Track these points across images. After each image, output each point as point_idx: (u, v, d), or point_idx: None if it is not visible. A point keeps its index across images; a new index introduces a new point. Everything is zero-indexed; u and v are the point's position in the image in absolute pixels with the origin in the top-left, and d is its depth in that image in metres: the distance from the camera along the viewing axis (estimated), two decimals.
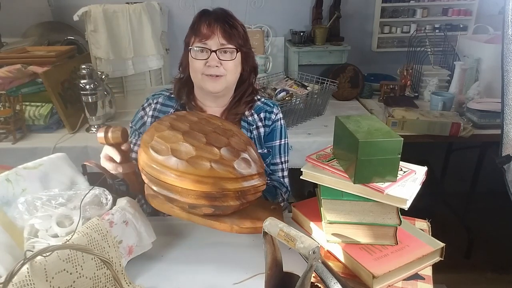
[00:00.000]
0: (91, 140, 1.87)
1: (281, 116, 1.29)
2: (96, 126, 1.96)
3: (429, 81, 2.32)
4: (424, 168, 0.90)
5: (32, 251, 0.64)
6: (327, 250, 0.86)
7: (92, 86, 1.88)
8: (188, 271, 0.93)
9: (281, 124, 1.27)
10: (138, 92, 2.29)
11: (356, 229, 0.84)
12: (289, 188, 1.27)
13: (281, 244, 0.70)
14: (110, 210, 0.89)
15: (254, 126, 1.24)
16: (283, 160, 1.27)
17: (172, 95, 1.25)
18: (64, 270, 0.74)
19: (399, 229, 0.84)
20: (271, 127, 1.26)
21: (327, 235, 0.85)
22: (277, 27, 2.61)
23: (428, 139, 1.90)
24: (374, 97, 2.44)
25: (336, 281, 0.72)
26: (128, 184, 1.04)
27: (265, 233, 0.70)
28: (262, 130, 1.25)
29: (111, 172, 0.98)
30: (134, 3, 2.20)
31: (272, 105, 1.28)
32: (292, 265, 0.75)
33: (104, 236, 0.83)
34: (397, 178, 0.82)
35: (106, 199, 0.89)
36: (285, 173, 1.29)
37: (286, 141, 1.29)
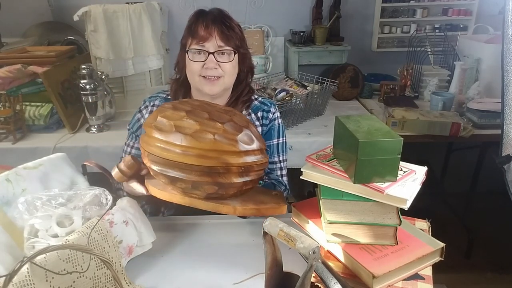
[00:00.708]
0: (91, 140, 1.87)
1: (279, 115, 1.29)
2: (96, 126, 1.96)
3: (429, 81, 2.32)
4: (424, 168, 0.90)
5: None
6: (327, 250, 0.86)
7: (92, 86, 1.88)
8: (188, 271, 0.93)
9: (278, 123, 1.28)
10: (138, 92, 2.29)
11: (356, 229, 0.84)
12: (288, 187, 1.27)
13: (281, 244, 0.70)
14: (110, 210, 0.90)
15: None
16: (281, 159, 1.28)
17: (169, 97, 1.25)
18: (64, 270, 0.74)
19: (399, 229, 0.84)
20: (268, 126, 1.26)
21: (327, 235, 0.85)
22: (277, 27, 2.61)
23: (428, 139, 1.90)
24: (374, 97, 2.44)
25: (336, 281, 0.72)
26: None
27: (265, 233, 0.70)
28: (259, 129, 1.25)
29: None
30: (134, 3, 2.20)
31: (269, 104, 1.28)
32: (292, 265, 0.75)
33: (104, 236, 0.83)
34: (397, 178, 0.82)
35: (106, 199, 0.89)
36: (284, 172, 1.29)
37: (284, 140, 1.29)
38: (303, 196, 2.38)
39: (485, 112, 1.93)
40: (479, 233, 2.35)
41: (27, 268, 0.68)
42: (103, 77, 2.00)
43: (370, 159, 0.79)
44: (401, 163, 0.86)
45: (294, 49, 2.46)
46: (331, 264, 0.79)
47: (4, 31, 2.34)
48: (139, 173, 0.96)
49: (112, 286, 0.82)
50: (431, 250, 0.82)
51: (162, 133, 0.85)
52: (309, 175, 0.90)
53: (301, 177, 0.92)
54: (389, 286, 0.78)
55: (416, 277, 0.81)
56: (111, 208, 0.90)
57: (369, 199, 0.82)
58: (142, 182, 0.96)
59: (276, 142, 1.27)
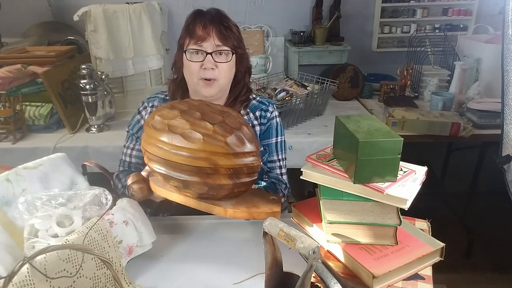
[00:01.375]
0: (91, 140, 1.87)
1: (277, 114, 1.29)
2: (96, 126, 1.96)
3: (429, 81, 2.32)
4: (424, 168, 0.90)
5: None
6: (327, 250, 0.86)
7: (92, 86, 1.88)
8: (188, 271, 0.93)
9: (277, 121, 1.28)
10: (138, 92, 2.29)
11: (356, 229, 0.84)
12: (288, 185, 1.27)
13: (281, 244, 0.70)
14: (110, 210, 0.90)
15: (250, 125, 1.24)
16: (280, 157, 1.28)
17: (167, 97, 1.25)
18: (64, 270, 0.74)
19: (399, 229, 0.84)
20: (266, 125, 1.26)
21: (327, 235, 0.85)
22: (277, 27, 2.61)
23: (428, 139, 1.90)
24: (374, 97, 2.44)
25: (336, 281, 0.72)
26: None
27: (265, 233, 0.70)
28: (257, 128, 1.26)
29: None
30: (134, 3, 2.20)
31: (267, 104, 1.28)
32: (292, 265, 0.75)
33: (104, 236, 0.83)
34: (397, 178, 0.82)
35: (106, 199, 0.89)
36: (283, 170, 1.29)
37: (283, 139, 1.29)
38: (303, 196, 2.38)
39: (485, 112, 1.93)
40: (479, 233, 2.35)
41: (27, 268, 0.68)
42: (103, 77, 2.00)
43: (370, 159, 0.79)
44: (401, 163, 0.86)
45: (294, 49, 2.46)
46: (331, 264, 0.79)
47: (4, 31, 2.34)
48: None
49: (112, 286, 0.82)
50: (431, 250, 0.82)
51: (157, 131, 0.87)
52: (309, 175, 0.90)
53: (301, 177, 0.92)
54: (389, 286, 0.78)
55: (416, 277, 0.81)
56: (111, 208, 0.90)
57: (369, 199, 0.82)
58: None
59: (274, 141, 1.27)
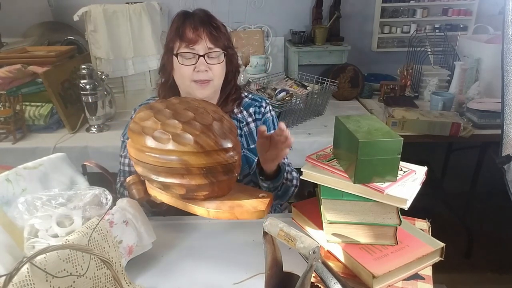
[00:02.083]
0: (91, 140, 1.87)
1: (271, 108, 1.30)
2: (96, 126, 1.96)
3: (429, 81, 2.32)
4: (424, 168, 0.90)
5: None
6: (327, 250, 0.86)
7: (92, 86, 1.88)
8: (188, 271, 0.93)
9: (271, 114, 1.29)
10: (138, 92, 2.29)
11: (356, 229, 0.84)
12: (297, 173, 1.24)
13: (281, 244, 0.70)
14: (110, 210, 0.90)
15: (244, 123, 1.25)
16: None
17: None
18: (64, 270, 0.74)
19: (399, 229, 0.84)
20: (262, 120, 1.27)
21: (327, 235, 0.85)
22: (277, 27, 2.61)
23: (428, 139, 1.90)
24: (374, 97, 2.44)
25: (336, 281, 0.72)
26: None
27: (265, 233, 0.70)
28: (253, 125, 1.26)
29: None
30: (134, 3, 2.20)
31: (260, 100, 1.29)
32: (292, 265, 0.75)
33: (104, 236, 0.83)
34: (397, 178, 0.82)
35: (106, 199, 0.89)
36: (286, 161, 1.27)
37: None
38: (303, 196, 2.38)
39: (485, 112, 1.93)
40: (479, 233, 2.35)
41: (27, 268, 0.68)
42: (103, 77, 2.00)
43: (370, 159, 0.79)
44: (401, 163, 0.86)
45: (294, 49, 2.46)
46: (331, 264, 0.79)
47: (4, 31, 2.33)
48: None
49: (112, 286, 0.82)
50: (431, 250, 0.83)
51: (134, 134, 0.87)
52: (309, 175, 0.90)
53: (301, 177, 0.92)
54: (389, 286, 0.78)
55: (416, 277, 0.81)
56: (111, 208, 0.90)
57: (369, 199, 0.82)
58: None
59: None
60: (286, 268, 0.75)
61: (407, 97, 2.33)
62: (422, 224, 0.95)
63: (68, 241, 0.77)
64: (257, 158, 1.13)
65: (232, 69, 1.22)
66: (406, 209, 0.80)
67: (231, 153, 0.87)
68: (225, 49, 1.15)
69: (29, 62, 1.94)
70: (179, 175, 0.84)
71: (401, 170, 0.87)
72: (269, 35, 2.58)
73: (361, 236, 0.84)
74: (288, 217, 1.02)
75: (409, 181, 0.84)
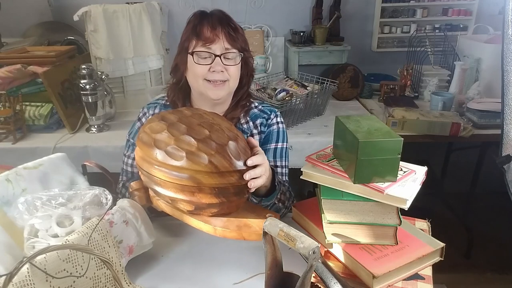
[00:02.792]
0: (91, 140, 1.87)
1: (280, 120, 1.24)
2: (96, 126, 1.96)
3: (429, 81, 2.32)
4: (424, 168, 0.90)
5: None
6: (327, 250, 0.86)
7: (92, 86, 1.88)
8: (188, 271, 0.93)
9: (278, 127, 1.23)
10: (138, 92, 2.29)
11: (356, 229, 0.84)
12: (292, 194, 1.19)
13: (281, 244, 0.70)
14: (110, 210, 0.90)
15: (249, 134, 1.21)
16: (278, 164, 1.21)
17: (168, 103, 1.21)
18: (64, 270, 0.74)
19: (399, 229, 0.84)
20: (267, 132, 1.22)
21: (327, 235, 0.85)
22: (277, 27, 2.61)
23: (428, 139, 1.90)
24: (374, 97, 2.44)
25: (336, 281, 0.72)
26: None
27: (265, 233, 0.70)
28: (257, 137, 1.21)
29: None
30: (134, 3, 2.20)
31: (269, 112, 1.24)
32: (292, 265, 0.75)
33: (104, 236, 0.83)
34: (397, 178, 0.82)
35: (106, 199, 0.89)
36: (285, 178, 1.23)
37: (285, 146, 1.23)
38: (303, 196, 2.39)
39: (485, 112, 1.93)
40: (479, 233, 2.35)
41: (27, 268, 0.68)
42: (103, 77, 2.00)
43: (370, 159, 0.79)
44: (401, 163, 0.86)
45: (294, 49, 2.46)
46: (331, 264, 0.79)
47: (4, 31, 2.34)
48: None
49: (112, 286, 0.82)
50: (431, 250, 0.83)
51: (144, 145, 0.85)
52: (309, 175, 0.90)
53: (301, 177, 0.92)
54: (389, 286, 0.78)
55: (416, 277, 0.81)
56: (111, 208, 0.90)
57: (369, 199, 0.82)
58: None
59: (273, 146, 1.21)
60: (286, 268, 0.75)
61: (407, 97, 2.33)
62: (422, 224, 0.95)
63: (68, 241, 0.77)
64: None
65: (247, 73, 1.18)
66: (406, 209, 0.79)
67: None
68: (242, 51, 1.12)
69: (29, 62, 1.94)
70: (189, 193, 0.82)
71: (401, 170, 0.87)
72: (269, 35, 2.59)
73: (361, 236, 0.84)
74: (288, 217, 1.02)
75: (409, 181, 0.84)
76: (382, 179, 0.81)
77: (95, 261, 0.79)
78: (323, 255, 0.85)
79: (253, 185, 0.87)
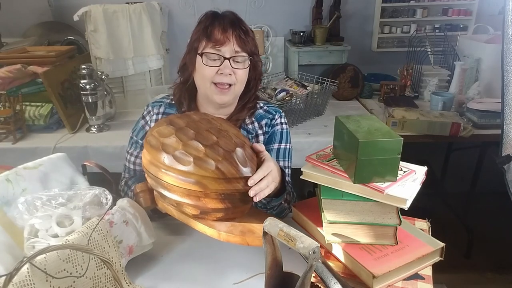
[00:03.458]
0: (91, 140, 1.87)
1: (284, 121, 1.24)
2: (96, 126, 1.96)
3: (429, 81, 2.32)
4: (424, 168, 0.90)
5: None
6: (327, 250, 0.86)
7: (92, 86, 1.88)
8: (188, 271, 0.93)
9: (282, 128, 1.23)
10: (138, 92, 2.29)
11: (356, 229, 0.84)
12: (294, 194, 1.18)
13: (281, 244, 0.70)
14: (110, 210, 0.90)
15: (254, 134, 1.21)
16: (281, 164, 1.21)
17: (173, 102, 1.21)
18: (64, 270, 0.74)
19: (399, 229, 0.84)
20: (271, 132, 1.22)
21: (327, 235, 0.85)
22: (277, 27, 2.61)
23: (428, 139, 1.90)
24: (374, 97, 2.44)
25: (336, 281, 0.72)
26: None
27: (265, 233, 0.70)
28: (261, 138, 1.21)
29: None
30: (134, 3, 2.20)
31: (274, 112, 1.24)
32: (292, 265, 0.75)
33: (104, 236, 0.83)
34: (397, 178, 0.82)
35: (106, 199, 0.89)
36: (288, 179, 1.22)
37: (288, 147, 1.23)
38: (303, 196, 2.38)
39: (485, 112, 1.93)
40: (479, 233, 2.35)
41: (27, 268, 0.68)
42: (103, 77, 2.00)
43: (370, 159, 0.79)
44: (401, 163, 0.86)
45: (294, 49, 2.46)
46: (331, 264, 0.79)
47: (4, 31, 2.34)
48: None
49: (112, 286, 0.82)
50: (431, 250, 0.83)
51: (151, 148, 0.85)
52: (309, 175, 0.90)
53: (301, 177, 0.92)
54: (389, 286, 0.78)
55: (416, 277, 0.81)
56: (111, 208, 0.90)
57: (369, 199, 0.82)
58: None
59: (277, 147, 1.21)
60: (286, 268, 0.75)
61: (407, 97, 2.33)
62: (422, 224, 0.95)
63: (68, 241, 0.77)
64: None
65: (255, 76, 1.17)
66: (406, 209, 0.80)
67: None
68: (251, 55, 1.11)
69: (29, 62, 1.94)
70: (195, 197, 0.83)
71: (401, 170, 0.87)
72: (269, 35, 2.59)
73: (361, 236, 0.84)
74: (288, 217, 1.02)
75: (409, 181, 0.84)
76: (382, 179, 0.81)
77: (95, 261, 0.79)
78: (323, 255, 0.85)
79: (258, 198, 0.87)
